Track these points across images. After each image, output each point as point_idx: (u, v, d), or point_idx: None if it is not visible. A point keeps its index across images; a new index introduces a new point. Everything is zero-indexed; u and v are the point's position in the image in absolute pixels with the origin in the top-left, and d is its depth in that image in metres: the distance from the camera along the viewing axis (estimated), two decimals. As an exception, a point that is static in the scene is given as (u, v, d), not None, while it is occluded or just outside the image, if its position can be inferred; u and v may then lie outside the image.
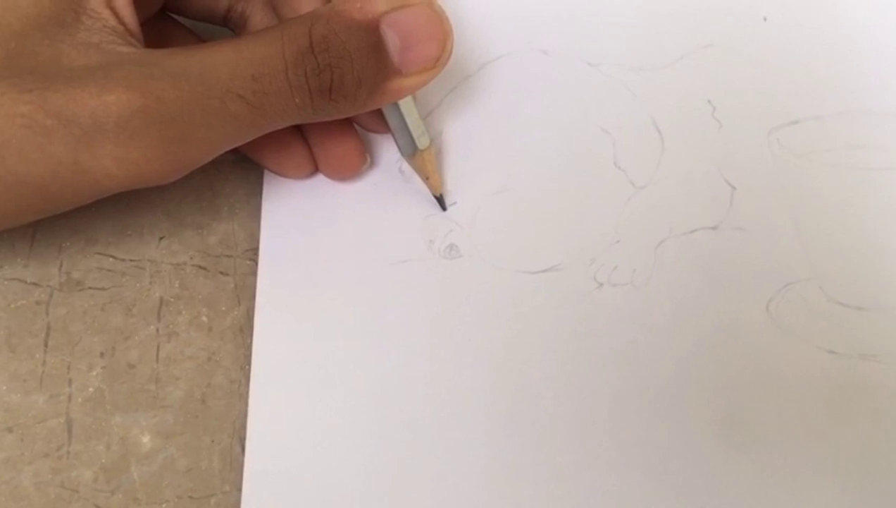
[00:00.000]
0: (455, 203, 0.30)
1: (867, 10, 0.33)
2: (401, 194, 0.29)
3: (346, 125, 0.29)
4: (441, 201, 0.29)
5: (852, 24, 0.33)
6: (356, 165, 0.29)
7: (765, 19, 0.33)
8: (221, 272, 0.29)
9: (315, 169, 0.29)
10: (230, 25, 0.29)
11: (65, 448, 0.26)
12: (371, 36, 0.24)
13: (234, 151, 0.29)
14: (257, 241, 0.29)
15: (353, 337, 0.28)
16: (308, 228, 0.29)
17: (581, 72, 0.32)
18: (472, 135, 0.31)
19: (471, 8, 0.33)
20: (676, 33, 0.32)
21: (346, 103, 0.25)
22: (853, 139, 0.31)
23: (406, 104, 0.27)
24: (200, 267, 0.29)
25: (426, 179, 0.29)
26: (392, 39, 0.24)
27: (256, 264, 0.29)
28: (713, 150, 0.30)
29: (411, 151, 0.28)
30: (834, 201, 0.30)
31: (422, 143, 0.28)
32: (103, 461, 0.26)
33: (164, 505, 0.26)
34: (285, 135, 0.28)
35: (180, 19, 0.29)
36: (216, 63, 0.23)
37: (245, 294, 0.28)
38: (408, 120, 0.27)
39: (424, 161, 0.28)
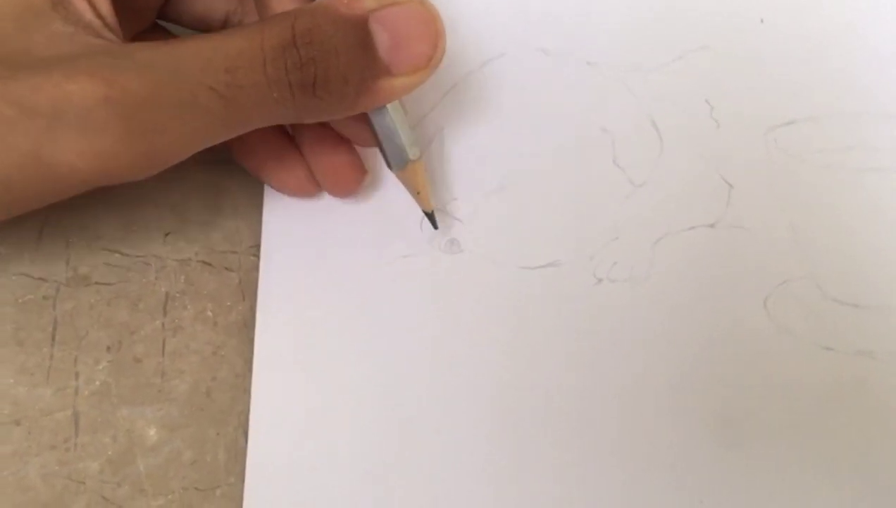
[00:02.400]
0: (456, 199, 0.30)
1: (863, 12, 0.33)
2: (402, 189, 0.29)
3: (342, 139, 0.28)
4: (432, 219, 0.28)
5: (848, 27, 0.33)
6: (356, 178, 0.29)
7: (762, 21, 0.33)
8: (226, 268, 0.29)
9: (318, 189, 0.29)
10: None
11: (72, 441, 0.27)
12: (358, 32, 0.23)
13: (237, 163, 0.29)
14: (261, 237, 0.29)
15: (353, 331, 0.28)
16: (309, 224, 0.29)
17: (580, 71, 0.32)
18: (472, 132, 0.31)
19: (471, 7, 0.33)
20: (675, 34, 0.33)
21: (332, 101, 0.24)
22: (848, 140, 0.31)
23: (396, 111, 0.26)
24: (205, 263, 0.29)
25: (416, 193, 0.28)
26: (381, 37, 0.23)
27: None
28: (711, 149, 0.31)
29: (401, 164, 0.27)
30: (829, 199, 0.30)
31: (412, 153, 0.26)
32: (110, 453, 0.26)
33: (169, 497, 0.26)
34: (283, 153, 0.28)
35: (174, 28, 0.30)
36: (188, 55, 0.22)
37: (249, 289, 0.29)
38: (398, 129, 0.26)
39: (415, 174, 0.27)
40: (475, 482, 0.26)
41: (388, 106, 0.25)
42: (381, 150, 0.27)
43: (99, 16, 0.23)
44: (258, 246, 0.29)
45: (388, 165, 0.27)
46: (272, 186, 0.29)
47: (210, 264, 0.29)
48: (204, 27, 0.29)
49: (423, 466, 0.26)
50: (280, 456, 0.26)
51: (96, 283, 0.29)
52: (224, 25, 0.29)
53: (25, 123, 0.21)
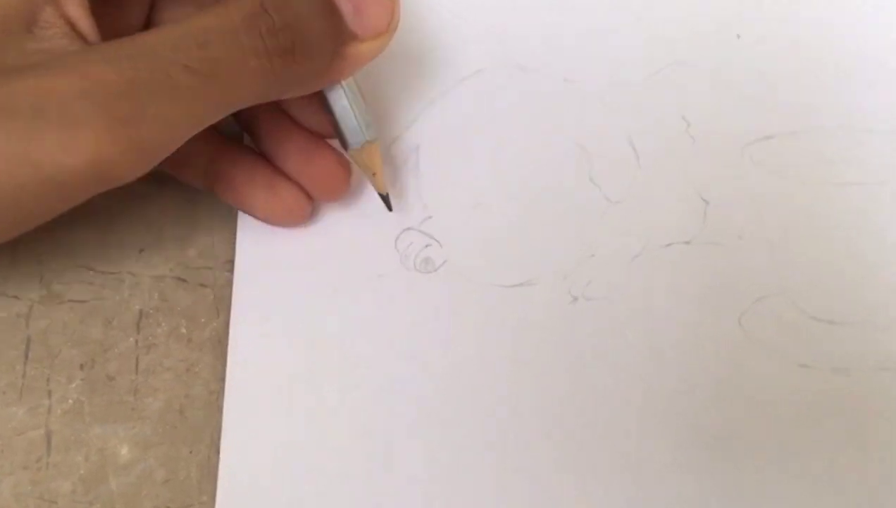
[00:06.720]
0: (430, 217, 0.30)
1: (840, 27, 0.33)
2: (376, 208, 0.29)
3: (323, 143, 0.29)
4: (386, 201, 0.29)
5: (825, 42, 0.33)
6: (344, 178, 0.29)
7: (738, 36, 0.33)
8: (201, 284, 0.29)
9: (307, 215, 0.29)
10: None
11: (44, 460, 0.26)
12: (324, 1, 0.25)
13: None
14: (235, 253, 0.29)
15: (327, 349, 0.28)
16: (284, 240, 0.29)
17: (557, 87, 0.32)
18: (448, 149, 0.31)
19: (448, 23, 0.33)
20: (652, 50, 0.33)
21: (311, 67, 0.25)
22: (825, 155, 0.31)
23: (352, 92, 0.27)
24: (180, 279, 0.29)
25: (372, 175, 0.28)
26: (346, 6, 0.25)
27: (235, 276, 0.29)
28: (687, 165, 0.31)
29: (357, 143, 0.27)
30: (806, 215, 0.30)
31: (369, 134, 0.27)
32: (82, 472, 0.26)
33: (141, 516, 0.26)
34: (267, 179, 0.28)
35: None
36: (159, 39, 0.23)
37: (224, 306, 0.29)
38: (354, 108, 0.27)
39: (371, 155, 0.28)
40: (452, 499, 0.26)
41: (344, 86, 0.26)
42: (338, 132, 0.27)
43: (77, 30, 0.23)
44: (234, 261, 0.29)
45: (344, 146, 0.28)
46: (259, 217, 0.29)
47: (184, 281, 0.29)
48: None
49: (396, 483, 0.26)
50: (252, 475, 0.26)
51: (70, 300, 0.28)
52: None
53: (7, 125, 0.21)
